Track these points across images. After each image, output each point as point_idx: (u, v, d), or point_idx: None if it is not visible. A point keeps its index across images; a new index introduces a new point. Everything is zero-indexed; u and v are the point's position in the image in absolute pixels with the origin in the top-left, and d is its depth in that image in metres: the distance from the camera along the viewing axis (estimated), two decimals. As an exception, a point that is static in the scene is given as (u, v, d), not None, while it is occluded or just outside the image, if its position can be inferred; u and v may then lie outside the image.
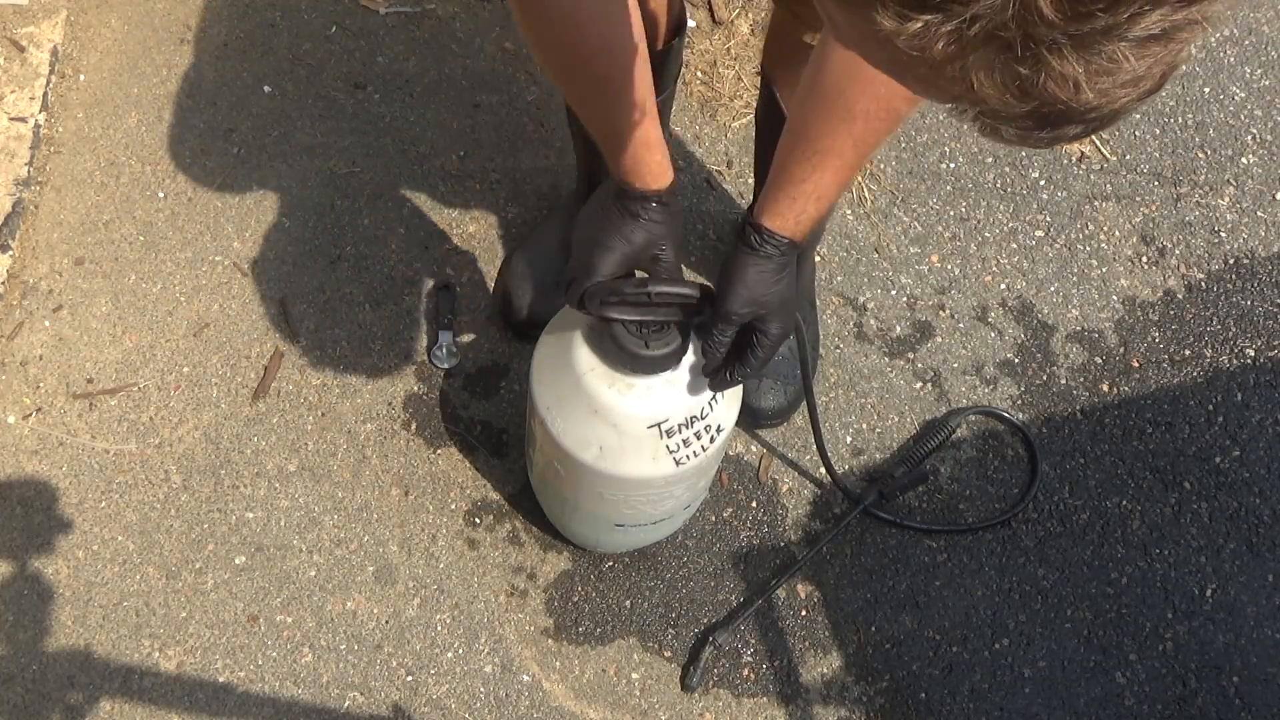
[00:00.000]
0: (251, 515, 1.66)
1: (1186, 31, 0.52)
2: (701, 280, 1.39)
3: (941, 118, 2.04)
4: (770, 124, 1.48)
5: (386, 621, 1.61)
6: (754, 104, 2.02)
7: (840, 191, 1.22)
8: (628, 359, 1.26)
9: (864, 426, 1.78)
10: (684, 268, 1.34)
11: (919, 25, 0.50)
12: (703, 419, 1.32)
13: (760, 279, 1.21)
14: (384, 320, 1.79)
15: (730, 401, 1.36)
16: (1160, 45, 0.51)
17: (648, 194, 1.19)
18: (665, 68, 1.52)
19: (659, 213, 1.21)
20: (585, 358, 1.30)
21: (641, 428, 1.30)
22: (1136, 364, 1.86)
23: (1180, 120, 2.09)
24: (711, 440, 1.34)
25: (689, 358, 1.29)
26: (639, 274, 1.26)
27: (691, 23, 2.05)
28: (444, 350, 1.76)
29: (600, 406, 1.30)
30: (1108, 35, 0.49)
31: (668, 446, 1.31)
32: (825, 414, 1.78)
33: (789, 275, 1.24)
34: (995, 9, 0.48)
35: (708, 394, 1.33)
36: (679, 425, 1.31)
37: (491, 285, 1.82)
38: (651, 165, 1.18)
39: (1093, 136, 2.04)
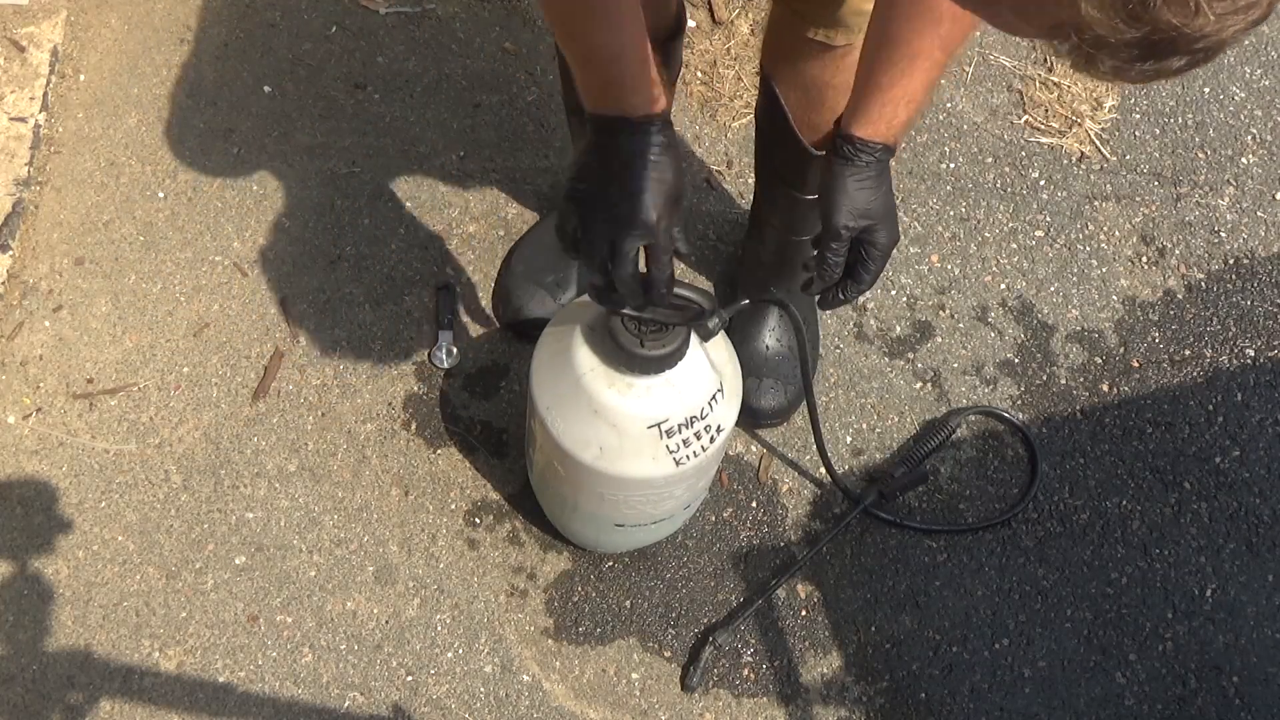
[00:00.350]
0: (251, 515, 1.66)
1: None
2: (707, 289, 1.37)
3: (941, 118, 2.04)
4: (771, 123, 1.48)
5: (386, 621, 1.61)
6: (754, 104, 2.02)
7: (929, 93, 1.20)
8: (627, 358, 1.26)
9: (864, 426, 1.78)
10: (682, 269, 1.33)
11: None
12: (702, 419, 1.33)
13: (862, 190, 1.18)
14: (384, 320, 1.79)
15: (730, 402, 1.36)
16: None
17: (653, 117, 1.11)
18: (665, 68, 1.51)
19: (670, 136, 1.13)
20: (585, 358, 1.30)
21: (641, 428, 1.30)
22: (1136, 364, 1.86)
23: (1180, 120, 2.09)
24: (711, 440, 1.34)
25: (689, 358, 1.29)
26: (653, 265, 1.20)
27: (691, 23, 2.05)
28: (444, 350, 1.76)
29: (600, 406, 1.30)
30: None
31: (668, 446, 1.31)
32: (825, 414, 1.78)
33: (888, 183, 1.22)
34: None
35: (707, 394, 1.33)
36: (679, 425, 1.31)
37: (491, 285, 1.82)
38: (655, 86, 1.12)
39: (1092, 136, 2.04)
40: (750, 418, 1.72)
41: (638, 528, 1.52)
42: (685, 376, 1.30)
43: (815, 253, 1.23)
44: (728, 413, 1.36)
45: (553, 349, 1.35)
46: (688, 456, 1.33)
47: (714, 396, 1.33)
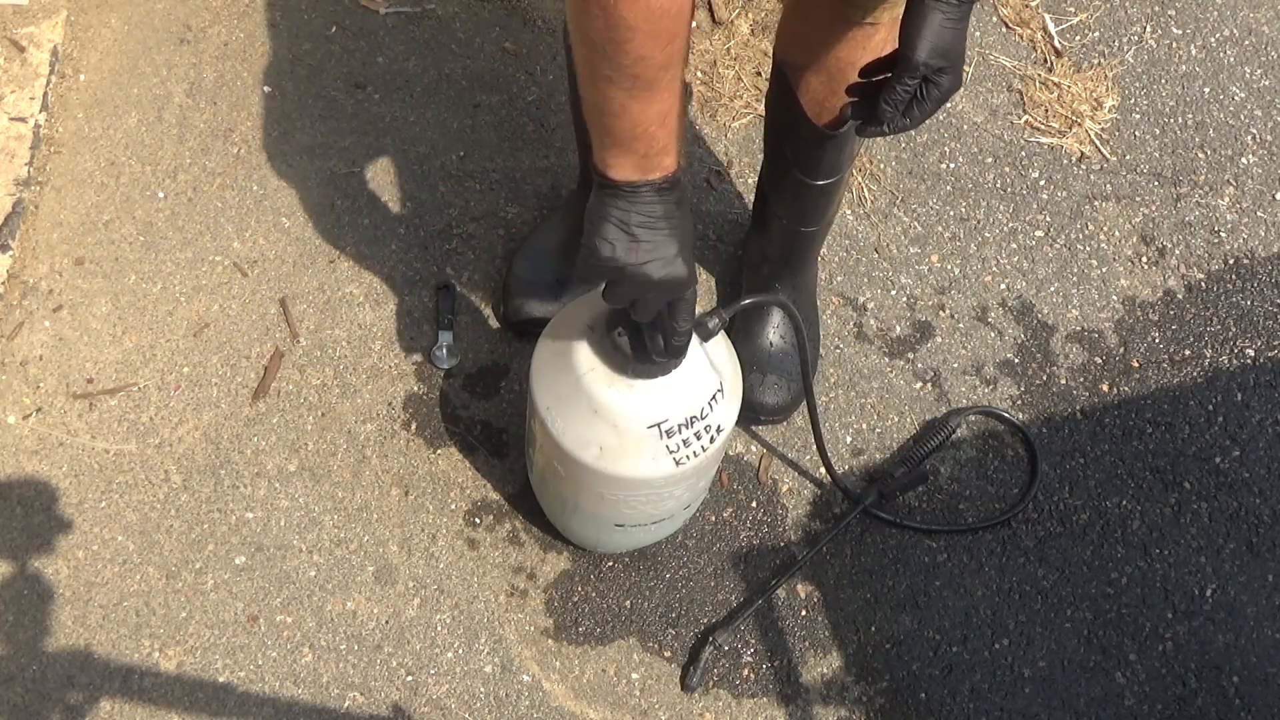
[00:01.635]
0: (251, 515, 1.66)
1: None
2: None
3: (942, 118, 2.04)
4: (785, 111, 1.46)
5: (386, 621, 1.61)
6: (754, 104, 2.02)
7: None
8: (625, 362, 1.26)
9: (864, 426, 1.78)
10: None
11: None
12: (702, 419, 1.33)
13: (945, 28, 1.15)
14: (384, 320, 1.79)
15: (730, 401, 1.36)
16: None
17: (670, 179, 1.12)
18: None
19: (683, 191, 1.14)
20: (585, 357, 1.30)
21: (641, 428, 1.30)
22: (1136, 364, 1.86)
23: (1180, 120, 2.09)
24: (711, 440, 1.34)
25: (689, 358, 1.29)
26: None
27: (691, 23, 2.04)
28: (444, 350, 1.76)
29: (600, 406, 1.30)
30: None
31: (667, 447, 1.32)
32: (825, 414, 1.78)
33: (966, 27, 1.18)
34: None
35: (707, 394, 1.33)
36: (679, 425, 1.31)
37: (492, 285, 1.82)
38: (679, 150, 1.13)
39: (1092, 136, 2.04)
40: (753, 413, 1.72)
41: (638, 528, 1.52)
42: (685, 377, 1.30)
43: (875, 80, 1.19)
44: (728, 413, 1.36)
45: (553, 348, 1.35)
46: (688, 457, 1.33)
47: (714, 397, 1.33)
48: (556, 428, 1.34)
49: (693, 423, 1.32)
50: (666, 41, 1.04)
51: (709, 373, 1.33)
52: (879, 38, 1.32)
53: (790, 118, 1.46)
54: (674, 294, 1.17)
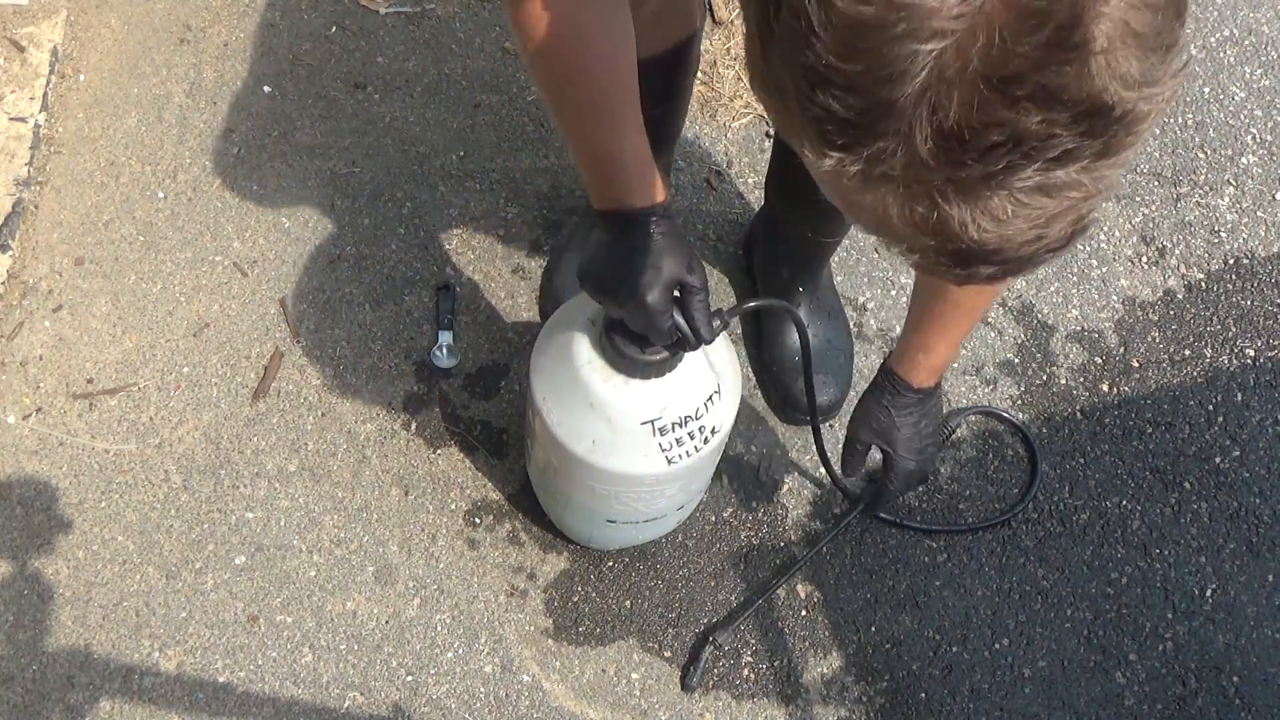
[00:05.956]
0: (251, 515, 1.66)
1: (1075, 191, 0.55)
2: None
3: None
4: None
5: (386, 621, 1.61)
6: (754, 104, 2.02)
7: (968, 333, 1.42)
8: (618, 359, 1.26)
9: (864, 426, 1.79)
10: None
11: (832, 161, 0.56)
12: (697, 419, 1.32)
13: (881, 411, 1.38)
14: (384, 320, 1.79)
15: (727, 404, 1.36)
16: (1045, 199, 0.55)
17: (654, 208, 1.15)
18: (687, 66, 1.53)
19: (670, 225, 1.17)
20: (584, 351, 1.30)
21: (635, 423, 1.30)
22: (1136, 364, 1.86)
23: (1180, 120, 2.08)
24: (705, 441, 1.34)
25: (687, 358, 1.29)
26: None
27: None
28: (444, 350, 1.76)
29: (596, 400, 1.30)
30: (987, 184, 0.54)
31: (660, 444, 1.32)
32: (825, 414, 1.78)
33: (919, 418, 1.39)
34: (888, 152, 0.53)
35: (704, 395, 1.33)
36: (672, 424, 1.31)
37: (491, 285, 1.82)
38: (654, 182, 1.15)
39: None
40: (801, 414, 1.73)
41: (630, 525, 1.52)
42: (682, 376, 1.30)
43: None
44: (724, 415, 1.36)
45: (553, 341, 1.35)
46: (680, 456, 1.33)
47: (710, 398, 1.33)
48: (552, 419, 1.34)
49: (687, 422, 1.32)
50: (563, 82, 1.09)
51: (707, 374, 1.33)
52: None
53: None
54: (643, 327, 1.18)
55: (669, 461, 1.33)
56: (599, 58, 1.08)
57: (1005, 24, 0.51)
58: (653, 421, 1.30)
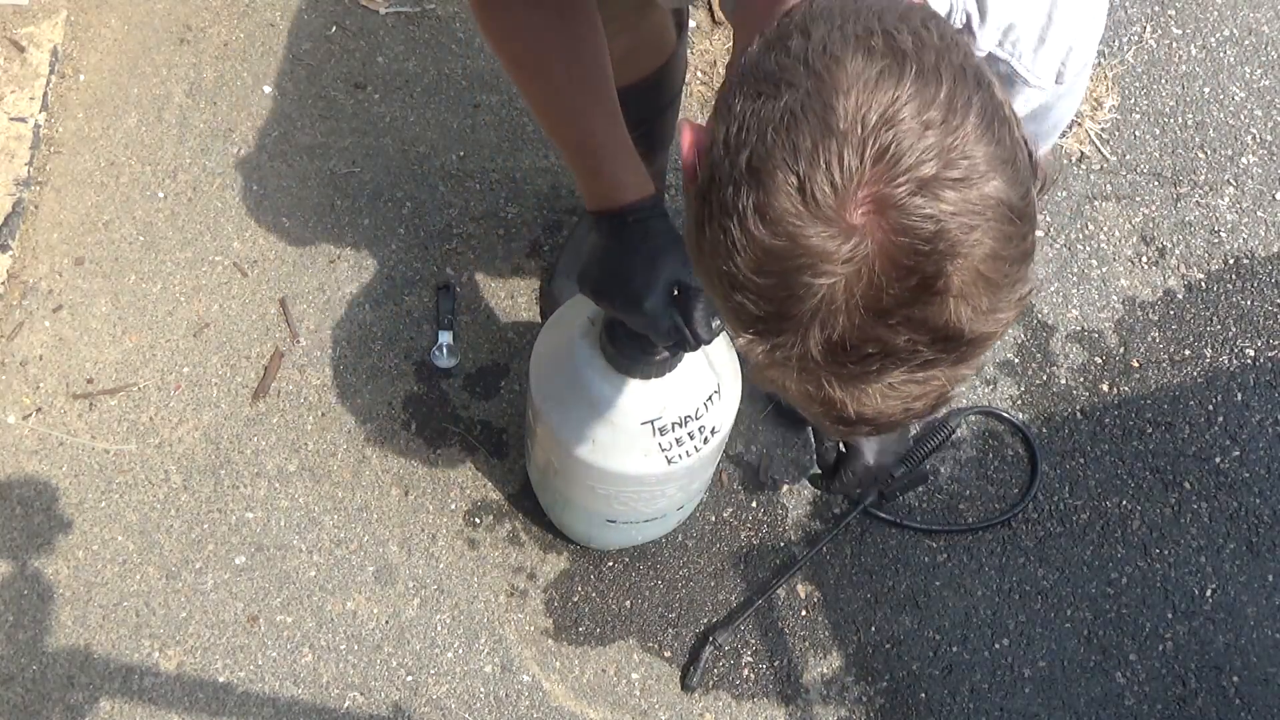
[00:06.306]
0: (251, 515, 1.66)
1: (937, 381, 0.69)
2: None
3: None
4: None
5: (386, 621, 1.61)
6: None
7: None
8: (617, 359, 1.26)
9: (864, 426, 1.78)
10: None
11: (745, 340, 0.69)
12: (697, 419, 1.33)
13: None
14: (384, 320, 1.79)
15: (727, 404, 1.36)
16: (913, 386, 0.68)
17: (644, 202, 1.15)
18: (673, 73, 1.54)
19: (667, 225, 1.16)
20: (584, 351, 1.30)
21: (635, 423, 1.30)
22: (1136, 364, 1.86)
23: (1180, 120, 2.08)
24: (705, 442, 1.34)
25: (687, 358, 1.29)
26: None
27: (691, 23, 2.05)
28: (444, 350, 1.76)
29: (595, 400, 1.30)
30: (864, 379, 0.67)
31: (660, 444, 1.32)
32: (825, 414, 1.78)
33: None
34: (788, 345, 0.67)
35: (704, 395, 1.33)
36: (672, 424, 1.31)
37: (491, 285, 1.82)
38: (636, 169, 1.15)
39: (1092, 136, 2.04)
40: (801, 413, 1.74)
41: (630, 525, 1.52)
42: (682, 376, 1.30)
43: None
44: (724, 415, 1.36)
45: (553, 341, 1.36)
46: (680, 455, 1.33)
47: (710, 398, 1.33)
48: (552, 419, 1.34)
49: (687, 422, 1.32)
50: (527, 80, 1.13)
51: (707, 374, 1.33)
52: None
53: None
54: (643, 328, 1.18)
55: (669, 461, 1.33)
56: (557, 51, 1.09)
57: (884, 271, 0.64)
58: (653, 421, 1.30)
